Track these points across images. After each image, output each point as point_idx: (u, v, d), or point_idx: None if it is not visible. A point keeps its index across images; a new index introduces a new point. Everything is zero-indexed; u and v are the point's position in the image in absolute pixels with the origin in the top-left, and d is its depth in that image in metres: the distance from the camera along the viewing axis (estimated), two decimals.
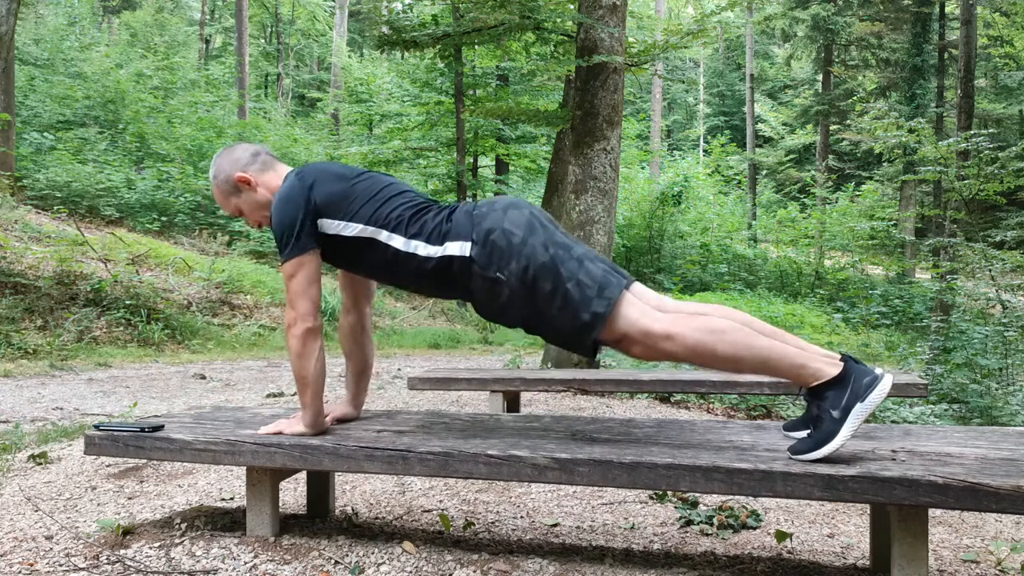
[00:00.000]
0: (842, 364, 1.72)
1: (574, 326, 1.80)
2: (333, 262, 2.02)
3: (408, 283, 1.97)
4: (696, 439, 1.91)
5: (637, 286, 1.91)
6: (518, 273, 1.81)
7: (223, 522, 2.15)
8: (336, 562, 1.88)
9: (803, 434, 1.81)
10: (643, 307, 1.82)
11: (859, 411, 1.66)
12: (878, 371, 1.71)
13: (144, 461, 2.94)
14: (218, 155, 2.09)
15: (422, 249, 1.89)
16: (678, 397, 5.02)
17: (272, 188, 2.04)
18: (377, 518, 2.33)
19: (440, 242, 1.88)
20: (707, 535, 2.24)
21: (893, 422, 4.56)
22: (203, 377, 6.34)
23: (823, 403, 1.70)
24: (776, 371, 1.74)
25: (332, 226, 1.93)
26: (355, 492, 2.64)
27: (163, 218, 13.00)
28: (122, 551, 1.93)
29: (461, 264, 1.86)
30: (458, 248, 1.86)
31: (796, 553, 2.10)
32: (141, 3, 29.16)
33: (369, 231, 1.91)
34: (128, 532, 2.05)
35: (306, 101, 31.98)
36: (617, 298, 1.79)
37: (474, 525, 2.26)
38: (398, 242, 1.90)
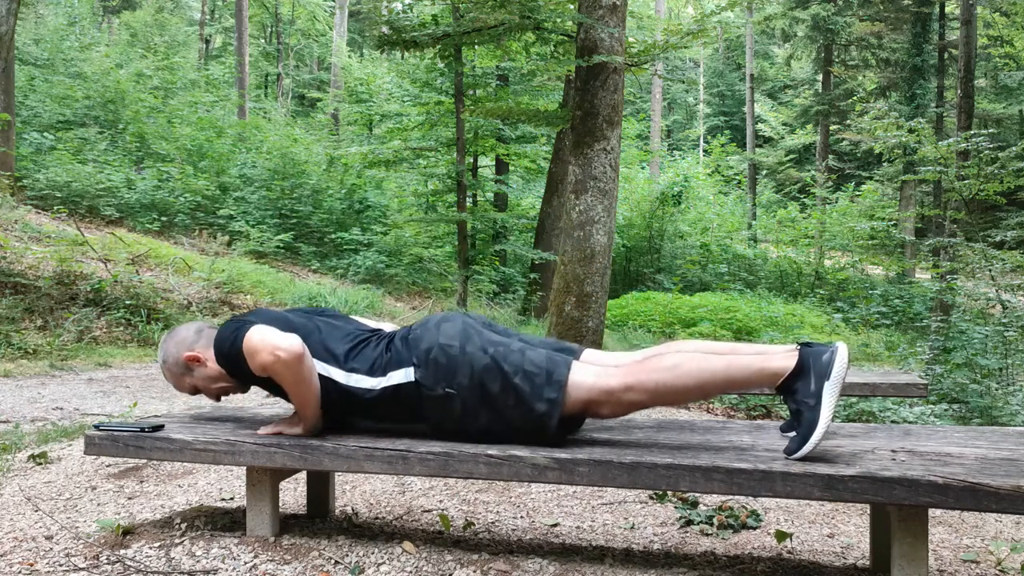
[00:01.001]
0: (797, 353, 1.73)
1: (532, 418, 1.82)
2: (279, 394, 2.05)
3: (357, 414, 1.99)
4: (696, 439, 1.91)
5: (588, 352, 1.95)
6: (464, 383, 1.84)
7: (223, 522, 2.15)
8: (336, 562, 1.88)
9: (794, 433, 1.82)
10: (595, 369, 1.84)
11: (829, 389, 1.67)
12: (833, 344, 1.72)
13: (144, 461, 2.94)
14: (163, 341, 2.13)
15: (365, 382, 1.92)
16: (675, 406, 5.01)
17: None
18: (377, 518, 2.33)
19: (383, 373, 1.91)
20: (707, 535, 2.24)
21: (893, 422, 4.56)
22: None
23: (796, 396, 1.71)
24: (741, 384, 1.76)
25: None
26: (355, 492, 2.64)
27: (163, 218, 12.99)
28: (122, 551, 1.93)
29: (407, 390, 1.89)
30: (402, 375, 1.89)
31: (796, 553, 2.10)
32: (141, 3, 29.16)
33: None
34: (128, 532, 2.05)
35: (306, 101, 31.97)
36: (566, 377, 1.81)
37: (474, 525, 2.26)
38: (339, 376, 1.93)
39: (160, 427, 2.06)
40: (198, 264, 10.67)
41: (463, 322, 1.94)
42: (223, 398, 2.19)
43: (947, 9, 20.31)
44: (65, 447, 3.27)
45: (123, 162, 14.08)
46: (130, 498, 2.54)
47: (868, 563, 2.01)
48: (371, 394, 1.92)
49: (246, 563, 1.86)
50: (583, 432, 2.02)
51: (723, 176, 24.01)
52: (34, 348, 7.05)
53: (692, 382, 1.75)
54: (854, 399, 4.70)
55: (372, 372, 1.92)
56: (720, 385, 1.77)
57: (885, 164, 22.07)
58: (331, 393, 1.94)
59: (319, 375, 1.93)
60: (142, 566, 1.84)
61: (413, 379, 1.88)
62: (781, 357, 1.74)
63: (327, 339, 1.98)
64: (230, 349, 1.93)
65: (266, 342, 1.83)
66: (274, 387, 2.02)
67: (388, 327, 2.24)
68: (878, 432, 2.00)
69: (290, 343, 1.83)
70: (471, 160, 13.87)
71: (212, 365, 2.06)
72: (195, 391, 2.13)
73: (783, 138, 30.54)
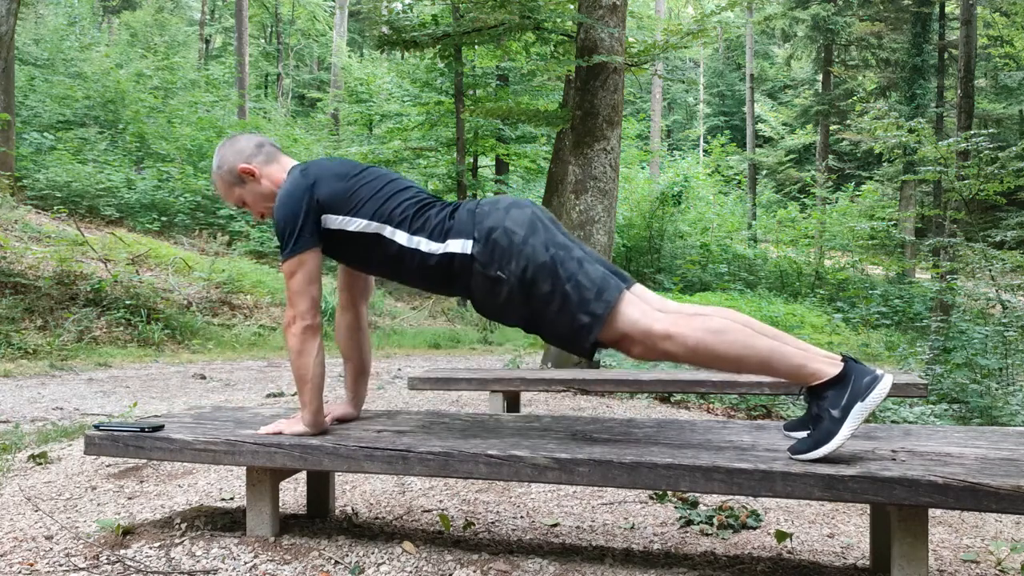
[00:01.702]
0: (842, 364, 1.72)
1: (572, 327, 1.80)
2: (337, 257, 2.02)
3: (410, 279, 1.96)
4: (696, 439, 1.91)
5: (638, 287, 1.91)
6: (518, 273, 1.81)
7: (223, 522, 2.15)
8: (336, 562, 1.88)
9: (803, 434, 1.81)
10: (643, 307, 1.81)
11: (859, 411, 1.66)
12: (878, 371, 1.71)
13: (144, 461, 2.94)
14: (221, 145, 2.09)
15: (424, 245, 1.89)
16: (678, 397, 5.02)
17: (276, 180, 2.03)
18: (377, 518, 2.33)
19: (442, 239, 1.88)
20: (707, 535, 2.24)
21: (893, 422, 4.56)
22: (203, 377, 6.34)
23: (823, 403, 1.70)
24: (776, 371, 1.74)
25: (336, 222, 1.93)
26: (355, 492, 2.64)
27: (163, 218, 13.00)
28: (122, 551, 1.93)
29: (462, 262, 1.86)
30: (460, 246, 1.86)
31: (796, 553, 2.10)
32: (141, 3, 29.17)
33: (373, 227, 1.91)
34: (128, 532, 2.05)
35: (306, 101, 31.98)
36: (615, 300, 1.79)
37: (474, 525, 2.26)
38: (402, 238, 1.90)
39: (160, 427, 2.06)
40: (198, 264, 10.67)
41: (532, 212, 1.90)
42: (266, 218, 2.14)
43: (947, 9, 20.32)
44: (65, 447, 3.27)
45: (123, 162, 14.08)
46: (130, 498, 2.54)
47: (868, 563, 2.01)
48: (431, 259, 1.88)
49: (246, 563, 1.86)
50: (583, 432, 2.02)
51: (723, 176, 24.03)
52: (34, 348, 7.05)
53: (732, 353, 1.73)
54: None
55: (432, 236, 1.89)
56: (756, 365, 1.74)
57: (885, 164, 22.08)
58: (392, 253, 1.91)
59: (384, 237, 1.90)
60: (142, 566, 1.84)
61: (469, 252, 1.85)
62: (823, 361, 1.72)
63: (393, 200, 1.94)
64: (280, 229, 1.91)
65: (296, 298, 1.88)
66: (329, 247, 1.97)
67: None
68: (878, 432, 2.00)
69: (314, 319, 1.88)
70: (471, 160, 13.88)
71: (267, 183, 2.03)
72: (242, 204, 2.08)
73: (783, 138, 30.55)
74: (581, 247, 1.92)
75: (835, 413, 1.67)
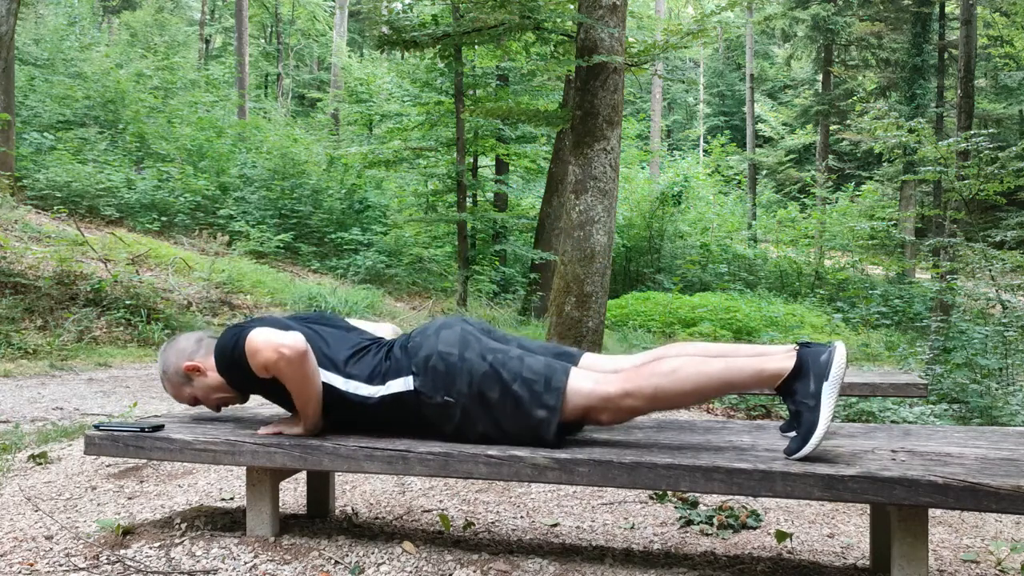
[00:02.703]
0: (795, 354, 1.73)
1: (531, 425, 1.82)
2: (278, 400, 2.04)
3: (357, 421, 1.98)
4: (696, 439, 1.91)
5: (586, 357, 1.95)
6: (464, 391, 1.84)
7: (223, 522, 2.15)
8: (336, 562, 1.88)
9: (795, 433, 1.82)
10: (595, 376, 1.84)
11: (828, 390, 1.67)
12: (831, 343, 1.72)
13: (144, 461, 2.94)
14: (162, 351, 2.13)
15: (363, 390, 1.92)
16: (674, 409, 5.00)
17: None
18: (377, 518, 2.33)
19: (382, 381, 1.92)
20: (707, 535, 2.24)
21: (893, 422, 4.56)
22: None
23: (796, 396, 1.71)
24: (740, 386, 1.77)
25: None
26: (355, 492, 2.64)
27: (163, 218, 12.99)
28: (122, 551, 1.93)
29: (408, 398, 1.89)
30: (401, 384, 1.90)
31: (796, 553, 2.10)
32: (141, 3, 29.16)
33: None
34: (128, 532, 2.05)
35: (306, 101, 31.97)
36: (564, 384, 1.81)
37: (474, 525, 2.26)
38: (338, 382, 1.93)
39: (160, 427, 2.06)
40: (198, 264, 10.67)
41: (462, 329, 1.94)
42: (222, 409, 2.19)
43: (947, 9, 20.31)
44: (65, 447, 3.27)
45: (123, 162, 14.07)
46: (130, 498, 2.54)
47: (868, 563, 2.01)
48: (371, 401, 1.92)
49: (246, 563, 1.86)
50: (583, 432, 2.02)
51: (723, 176, 24.01)
52: (34, 348, 7.05)
53: (690, 386, 1.75)
54: (854, 399, 4.70)
55: (371, 380, 1.93)
56: (718, 388, 1.77)
57: (885, 164, 22.07)
58: (331, 400, 1.94)
59: (322, 383, 1.93)
60: (142, 566, 1.84)
61: (412, 387, 1.89)
62: (779, 359, 1.74)
63: (327, 346, 1.98)
64: (232, 352, 1.92)
65: (269, 340, 1.83)
66: (274, 393, 2.01)
67: (388, 329, 2.24)
68: (878, 432, 2.00)
69: (293, 340, 1.82)
70: (471, 160, 13.88)
71: (212, 375, 2.06)
72: (195, 401, 2.13)
73: (783, 138, 30.54)
74: (518, 342, 1.96)
75: (809, 402, 1.68)
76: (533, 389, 1.81)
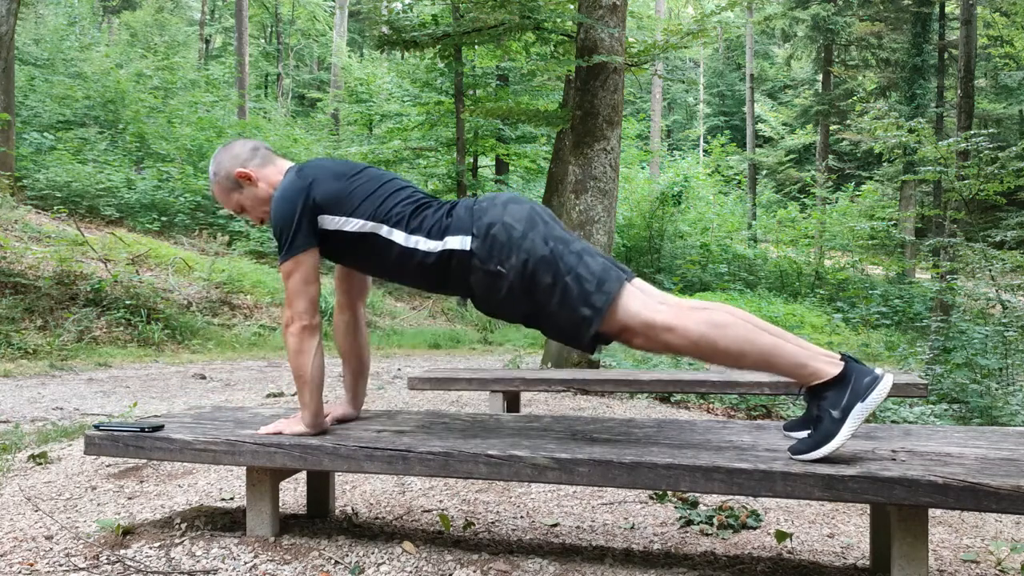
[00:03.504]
0: (843, 364, 1.72)
1: (573, 320, 1.80)
2: (334, 258, 2.02)
3: (409, 279, 1.96)
4: (696, 439, 1.91)
5: (639, 280, 1.91)
6: (518, 267, 1.81)
7: (223, 522, 2.15)
8: (336, 562, 1.88)
9: (803, 434, 1.81)
10: (644, 299, 1.81)
11: (859, 411, 1.66)
12: (879, 371, 1.70)
13: (144, 461, 2.94)
14: (217, 152, 2.09)
15: (423, 244, 1.88)
16: (678, 397, 5.02)
17: (272, 183, 2.03)
18: (377, 518, 2.33)
19: (440, 237, 1.88)
20: (707, 535, 2.24)
21: (893, 422, 4.56)
22: (203, 377, 6.34)
23: (823, 403, 1.70)
24: (777, 368, 1.74)
25: (333, 222, 1.92)
26: (355, 492, 2.64)
27: (163, 218, 13.00)
28: (122, 551, 1.93)
29: (461, 258, 1.86)
30: (458, 242, 1.86)
31: (796, 553, 2.10)
32: (141, 3, 29.17)
33: (370, 227, 1.91)
34: (128, 532, 2.05)
35: (306, 101, 31.98)
36: (616, 292, 1.79)
37: (474, 525, 2.26)
38: (399, 237, 1.90)
39: (160, 427, 2.06)
40: (198, 264, 10.67)
41: (531, 208, 1.91)
42: (265, 223, 2.13)
43: (947, 9, 20.31)
44: (65, 447, 3.27)
45: (123, 162, 14.08)
46: (130, 498, 2.54)
47: (868, 563, 2.01)
48: (429, 257, 1.88)
49: (246, 563, 1.86)
50: (583, 432, 2.02)
51: (723, 176, 24.03)
52: (34, 348, 7.05)
53: (734, 347, 1.72)
54: None
55: (431, 235, 1.89)
56: (757, 361, 1.74)
57: (885, 164, 22.07)
58: (390, 253, 1.91)
59: (381, 237, 1.90)
60: (142, 566, 1.84)
61: (468, 248, 1.85)
62: (824, 361, 1.72)
63: (390, 200, 1.94)
64: (277, 229, 1.91)
65: (294, 299, 1.88)
66: (327, 248, 1.98)
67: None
68: (878, 432, 2.00)
69: (312, 319, 1.88)
70: (471, 160, 13.88)
71: (263, 186, 2.03)
72: (240, 210, 2.08)
73: (783, 138, 30.55)
74: (581, 241, 1.92)
75: (835, 413, 1.67)
76: (584, 287, 1.78)
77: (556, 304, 1.81)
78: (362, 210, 1.92)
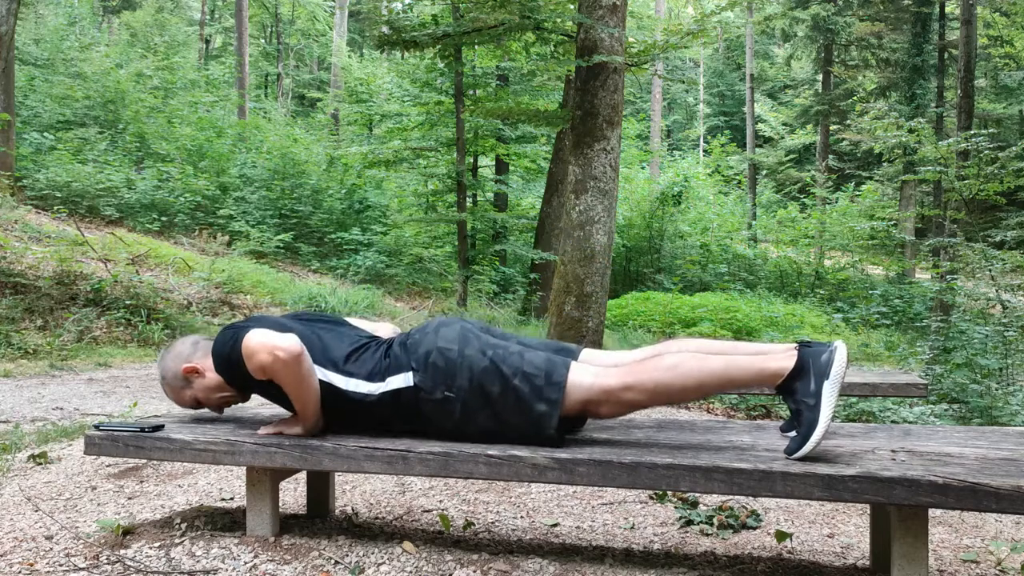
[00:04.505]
0: (796, 353, 1.73)
1: (532, 419, 1.82)
2: (277, 400, 2.03)
3: (358, 419, 1.98)
4: (696, 439, 1.91)
5: (586, 352, 1.96)
6: (464, 386, 1.84)
7: (223, 522, 2.15)
8: (336, 562, 1.88)
9: (795, 433, 1.82)
10: (595, 369, 1.85)
11: (829, 389, 1.67)
12: (832, 343, 1.72)
13: (144, 461, 2.94)
14: (160, 358, 2.14)
15: (363, 387, 1.92)
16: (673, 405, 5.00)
17: None
18: (377, 518, 2.33)
19: (382, 378, 1.92)
20: (707, 535, 2.24)
21: (893, 422, 4.56)
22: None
23: (796, 395, 1.71)
24: (740, 383, 1.77)
25: None
26: (355, 492, 2.64)
27: (163, 218, 13.00)
28: (122, 551, 1.93)
29: (408, 395, 1.89)
30: (401, 380, 1.90)
31: (796, 553, 2.10)
32: (141, 3, 29.16)
33: None
34: (128, 532, 2.05)
35: (306, 101, 31.97)
36: (565, 378, 1.81)
37: (474, 525, 2.26)
38: (339, 381, 1.93)
39: (160, 427, 2.06)
40: (198, 264, 10.67)
41: (461, 326, 1.95)
42: (224, 409, 2.20)
43: (947, 9, 20.30)
44: (65, 447, 3.26)
45: (123, 162, 14.07)
46: (130, 498, 2.54)
47: (868, 563, 2.01)
48: (370, 399, 1.92)
49: (246, 563, 1.86)
50: (583, 432, 2.02)
51: (723, 176, 24.01)
52: (34, 348, 7.05)
53: (691, 382, 1.76)
54: (854, 399, 4.70)
55: (371, 378, 1.93)
56: (719, 385, 1.77)
57: (885, 164, 22.06)
58: (331, 399, 1.94)
59: (321, 381, 1.93)
60: (142, 566, 1.84)
61: (412, 383, 1.89)
62: (780, 357, 1.74)
63: (326, 345, 1.98)
64: (229, 353, 1.93)
65: (265, 343, 1.83)
66: (273, 393, 2.01)
67: (387, 328, 2.24)
68: (878, 432, 2.00)
69: (289, 343, 1.83)
70: (471, 160, 13.88)
71: (211, 375, 2.06)
72: (197, 404, 2.13)
73: (783, 138, 30.54)
74: (517, 339, 1.96)
75: (809, 401, 1.69)
76: (534, 383, 1.81)
77: (512, 410, 1.83)
78: None
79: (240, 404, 2.22)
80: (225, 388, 2.07)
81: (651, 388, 1.77)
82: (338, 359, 1.95)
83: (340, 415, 1.98)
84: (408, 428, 1.97)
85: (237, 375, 1.97)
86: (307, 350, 1.93)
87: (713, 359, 1.76)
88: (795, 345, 1.77)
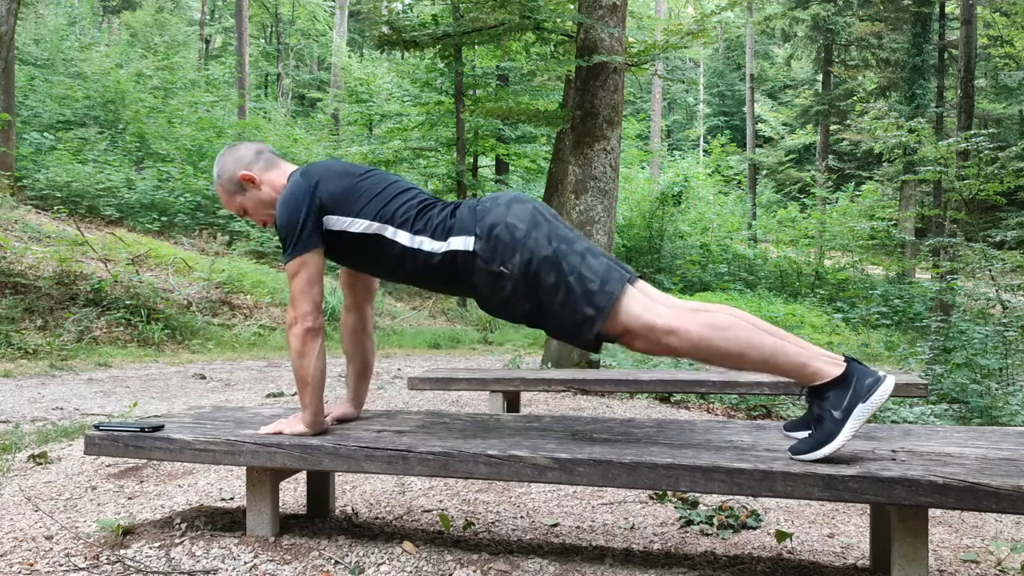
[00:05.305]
0: (845, 365, 1.72)
1: (575, 320, 1.80)
2: (339, 259, 2.02)
3: (413, 279, 1.97)
4: (696, 439, 1.91)
5: (641, 282, 1.91)
6: (521, 266, 1.81)
7: (223, 522, 2.15)
8: (336, 562, 1.88)
9: (804, 434, 1.81)
10: (646, 302, 1.81)
11: (860, 412, 1.66)
12: (880, 372, 1.71)
13: (144, 461, 2.94)
14: (221, 154, 2.09)
15: (427, 245, 1.89)
16: (678, 397, 5.02)
17: (276, 186, 2.03)
18: (377, 518, 2.33)
19: (444, 237, 1.88)
20: (707, 535, 2.24)
21: (893, 422, 4.56)
22: (203, 377, 6.34)
23: (824, 403, 1.70)
24: (778, 369, 1.75)
25: (338, 223, 1.93)
26: (355, 492, 2.64)
27: (163, 218, 13.00)
28: (122, 551, 1.93)
29: (465, 259, 1.86)
30: (462, 243, 1.86)
31: (796, 553, 2.10)
32: (141, 3, 29.17)
33: (375, 227, 1.91)
34: (128, 532, 2.05)
35: (306, 101, 31.98)
36: (619, 292, 1.79)
37: (474, 525, 2.26)
38: (404, 238, 1.90)
39: (160, 427, 2.06)
40: (198, 264, 10.67)
41: (534, 207, 1.91)
42: (268, 226, 2.14)
43: (947, 9, 20.31)
44: (65, 447, 3.27)
45: (123, 162, 14.08)
46: (130, 498, 2.54)
47: (868, 563, 2.01)
48: (433, 258, 1.89)
49: (246, 563, 1.86)
50: (583, 432, 2.02)
51: (723, 176, 24.03)
52: (34, 348, 7.05)
53: (735, 349, 1.73)
54: None
55: (435, 236, 1.90)
56: (757, 362, 1.74)
57: (885, 164, 22.07)
58: (395, 253, 1.91)
59: (385, 238, 1.91)
60: (142, 566, 1.84)
61: (471, 249, 1.85)
62: (827, 360, 1.73)
63: (395, 201, 1.95)
64: (284, 229, 1.90)
65: (298, 299, 1.88)
66: (331, 249, 1.97)
67: None
68: (878, 432, 2.00)
69: (315, 320, 1.88)
70: (471, 160, 13.88)
71: (267, 190, 2.03)
72: (244, 212, 2.09)
73: (783, 138, 30.54)
74: (584, 240, 1.92)
75: (836, 414, 1.67)
76: (587, 287, 1.79)
77: (559, 303, 1.81)
78: (367, 211, 1.92)
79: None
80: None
81: (695, 340, 1.74)
82: (409, 216, 1.92)
83: (400, 271, 1.95)
84: (456, 292, 1.96)
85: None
86: (379, 203, 1.92)
87: (764, 336, 1.74)
88: (843, 356, 1.75)
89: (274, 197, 2.02)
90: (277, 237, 2.00)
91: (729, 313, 1.78)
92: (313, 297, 1.90)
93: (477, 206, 1.92)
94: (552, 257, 1.81)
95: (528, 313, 1.86)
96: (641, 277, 1.94)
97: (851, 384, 1.68)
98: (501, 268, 1.83)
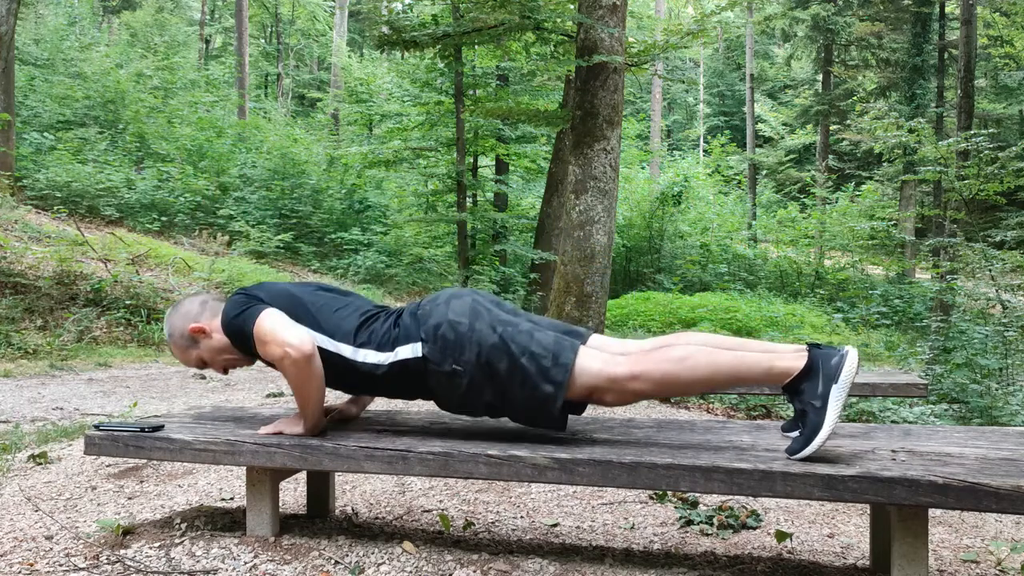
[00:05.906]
0: (807, 354, 1.73)
1: (537, 399, 1.82)
2: None
3: (363, 389, 1.99)
4: (696, 439, 1.91)
5: (595, 337, 1.95)
6: (472, 360, 1.84)
7: (223, 522, 2.15)
8: (336, 562, 1.88)
9: (797, 433, 1.82)
10: (604, 356, 1.84)
11: (836, 393, 1.67)
12: (843, 348, 1.72)
13: (144, 461, 2.94)
14: (168, 315, 2.13)
15: (371, 357, 1.92)
16: (678, 397, 5.01)
17: None
18: (377, 518, 2.33)
19: (391, 347, 1.91)
20: (707, 535, 2.24)
21: (893, 422, 4.56)
22: (203, 377, 6.33)
23: (803, 396, 1.71)
24: (747, 380, 1.76)
25: None
26: (355, 492, 2.64)
27: (163, 218, 13.00)
28: (122, 551, 1.93)
29: (416, 364, 1.89)
30: (410, 351, 1.89)
31: (796, 553, 2.10)
32: (141, 3, 29.16)
33: (319, 340, 1.93)
34: (128, 532, 2.05)
35: (306, 101, 31.97)
36: (572, 361, 1.81)
37: (474, 525, 2.26)
38: (347, 351, 1.93)
39: (160, 427, 2.06)
40: (198, 264, 10.67)
41: (472, 299, 1.93)
42: (230, 371, 2.17)
43: (947, 9, 20.30)
44: (65, 447, 3.27)
45: (123, 162, 14.08)
46: (130, 498, 2.54)
47: (868, 563, 2.01)
48: (380, 369, 1.91)
49: (246, 563, 1.86)
50: (583, 432, 2.02)
51: (723, 176, 24.01)
52: (34, 348, 7.05)
53: (699, 376, 1.75)
54: (854, 399, 4.70)
55: (381, 347, 1.92)
56: (726, 381, 1.76)
57: (885, 164, 22.06)
58: (340, 369, 1.93)
59: (328, 351, 1.93)
60: (142, 566, 1.84)
61: (421, 354, 1.88)
62: (790, 357, 1.74)
63: (336, 315, 1.97)
64: (241, 327, 1.93)
65: (277, 336, 1.84)
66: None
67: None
68: (878, 432, 2.00)
69: (300, 341, 1.83)
70: (471, 160, 13.88)
71: (218, 336, 2.05)
72: (202, 364, 2.11)
73: (783, 138, 30.54)
74: (528, 317, 1.95)
75: (816, 403, 1.68)
76: (541, 364, 1.80)
77: (518, 387, 1.83)
78: (309, 323, 1.95)
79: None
80: (231, 351, 2.05)
81: (658, 379, 1.76)
82: (349, 329, 1.95)
83: (349, 384, 1.97)
84: (414, 398, 1.98)
85: (246, 346, 1.96)
86: (318, 319, 1.94)
87: (723, 354, 1.76)
88: (805, 346, 1.76)
89: (226, 343, 2.04)
90: (248, 332, 1.99)
91: (686, 342, 1.81)
92: (291, 329, 1.87)
93: (417, 311, 1.95)
94: (499, 343, 1.83)
95: (490, 403, 1.88)
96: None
97: (819, 370, 1.70)
98: (453, 367, 1.85)
